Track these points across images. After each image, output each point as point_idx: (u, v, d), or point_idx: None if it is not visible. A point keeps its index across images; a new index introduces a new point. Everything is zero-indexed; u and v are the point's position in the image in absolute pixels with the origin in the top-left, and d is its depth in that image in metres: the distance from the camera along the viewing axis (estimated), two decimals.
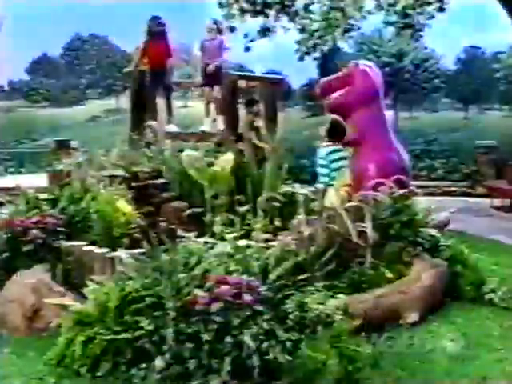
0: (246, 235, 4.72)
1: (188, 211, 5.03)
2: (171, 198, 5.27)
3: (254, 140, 6.35)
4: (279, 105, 7.91)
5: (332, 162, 4.99)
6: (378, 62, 33.52)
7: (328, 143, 5.10)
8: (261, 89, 7.60)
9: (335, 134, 5.18)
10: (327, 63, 37.43)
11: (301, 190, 5.73)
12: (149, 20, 7.20)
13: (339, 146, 5.10)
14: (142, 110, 7.06)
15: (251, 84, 7.88)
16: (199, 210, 5.04)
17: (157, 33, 7.15)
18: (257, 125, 6.58)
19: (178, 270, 2.87)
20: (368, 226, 3.28)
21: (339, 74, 5.42)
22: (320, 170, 4.98)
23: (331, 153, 5.04)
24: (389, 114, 5.44)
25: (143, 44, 7.20)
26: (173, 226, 5.06)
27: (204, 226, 4.94)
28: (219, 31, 7.52)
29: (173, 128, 7.32)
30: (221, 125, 7.29)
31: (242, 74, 8.21)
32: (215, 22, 7.54)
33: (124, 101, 37.98)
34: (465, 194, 11.86)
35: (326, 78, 5.54)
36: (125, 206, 4.12)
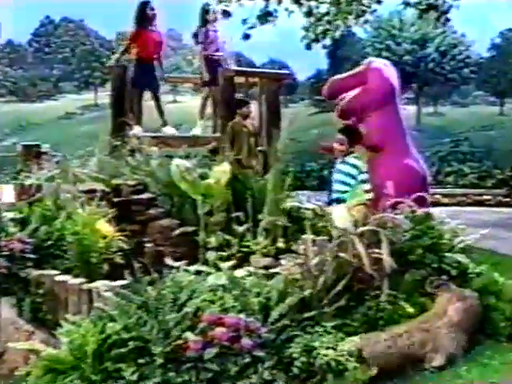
0: (245, 258, 4.81)
1: (178, 230, 5.08)
2: (159, 215, 5.33)
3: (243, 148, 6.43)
4: (283, 100, 7.93)
5: (350, 176, 5.02)
6: (398, 50, 33.69)
7: (347, 155, 5.14)
8: (262, 85, 7.65)
9: (351, 137, 5.23)
10: (338, 51, 37.70)
11: (308, 204, 5.82)
12: (139, 5, 7.30)
13: (359, 162, 5.13)
14: (124, 111, 7.14)
15: (251, 80, 7.96)
16: (191, 228, 5.08)
17: (148, 20, 7.25)
18: (247, 129, 6.61)
19: (166, 308, 2.88)
20: (384, 253, 3.30)
21: (350, 72, 5.49)
22: (336, 186, 5.02)
23: (351, 167, 5.08)
24: (409, 111, 5.51)
25: (131, 33, 7.29)
26: (161, 248, 5.13)
27: (197, 246, 5.00)
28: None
29: (170, 130, 7.40)
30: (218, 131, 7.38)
31: (240, 69, 8.25)
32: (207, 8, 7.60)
33: (104, 95, 38.16)
34: (499, 204, 11.85)
35: (336, 77, 5.60)
36: (105, 227, 4.16)
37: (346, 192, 4.93)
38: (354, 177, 5.06)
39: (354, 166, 5.13)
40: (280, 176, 5.54)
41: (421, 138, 24.24)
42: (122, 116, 6.97)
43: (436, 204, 11.53)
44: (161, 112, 7.49)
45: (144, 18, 7.24)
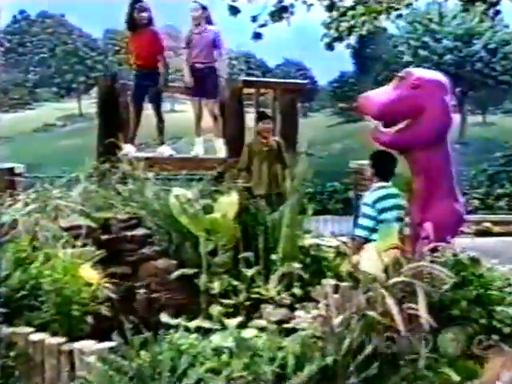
0: (255, 306, 4.84)
1: (176, 272, 5.14)
2: (153, 254, 5.39)
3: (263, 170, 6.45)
4: (301, 110, 8.04)
5: (381, 211, 5.02)
6: (438, 48, 33.78)
7: (380, 184, 5.15)
8: (275, 97, 7.76)
9: (382, 167, 5.24)
10: (365, 51, 37.96)
11: (330, 240, 5.86)
12: (130, 7, 7.43)
13: (395, 190, 5.14)
14: (114, 129, 7.27)
15: (263, 91, 8.07)
16: (191, 271, 5.14)
17: (137, 24, 7.41)
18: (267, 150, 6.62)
19: (163, 379, 2.87)
20: (421, 308, 3.30)
21: (397, 88, 5.33)
22: (363, 222, 5.03)
23: (382, 199, 5.07)
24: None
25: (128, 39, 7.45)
26: (155, 295, 5.18)
27: (198, 293, 5.04)
28: (207, 20, 7.66)
29: (167, 151, 7.50)
30: (222, 150, 7.44)
31: (249, 79, 8.40)
32: (203, 8, 7.63)
33: (89, 103, 38.59)
34: None
35: (378, 93, 5.44)
36: (89, 273, 4.20)
37: (373, 230, 4.94)
38: (379, 211, 5.08)
39: (380, 199, 5.14)
40: (298, 208, 5.61)
41: (465, 152, 24.24)
42: (111, 134, 7.08)
43: (485, 233, 11.40)
44: (160, 129, 7.61)
45: (131, 22, 7.41)
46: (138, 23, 7.37)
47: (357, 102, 5.53)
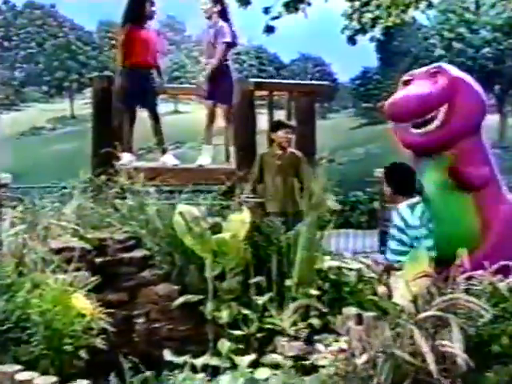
0: (268, 338, 4.84)
1: (180, 299, 5.15)
2: (154, 279, 5.41)
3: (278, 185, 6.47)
4: (319, 111, 8.06)
5: (401, 231, 5.04)
6: (474, 39, 33.68)
7: (408, 201, 5.19)
8: (290, 100, 7.80)
9: (402, 182, 5.27)
10: (392, 44, 38.00)
11: (352, 262, 5.85)
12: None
13: (411, 211, 5.17)
14: (110, 136, 7.34)
15: (276, 93, 8.12)
16: (196, 297, 5.15)
17: (145, 17, 7.48)
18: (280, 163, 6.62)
19: None
20: (456, 346, 3.29)
21: (428, 86, 5.42)
22: (392, 245, 5.06)
23: (400, 219, 5.12)
24: (489, 121, 5.55)
25: (123, 33, 7.48)
26: (156, 325, 5.20)
27: (204, 322, 5.05)
28: (222, 15, 7.65)
29: (170, 160, 7.54)
30: (232, 160, 7.49)
31: (260, 81, 8.42)
32: (214, 1, 7.64)
33: (82, 104, 38.75)
34: None
35: (408, 94, 5.53)
36: (83, 303, 4.22)
37: (402, 253, 4.94)
38: (404, 232, 5.09)
39: (403, 219, 5.17)
40: (316, 227, 5.62)
41: (506, 157, 24.09)
42: (107, 142, 7.13)
43: None
44: (159, 137, 7.63)
45: (141, 14, 7.44)
46: (147, 16, 7.46)
47: (384, 107, 5.61)
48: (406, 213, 5.18)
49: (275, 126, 6.83)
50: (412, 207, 5.17)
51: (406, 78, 5.78)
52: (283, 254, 5.45)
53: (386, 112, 5.53)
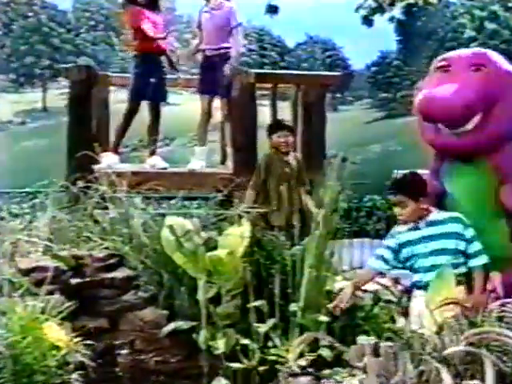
0: (271, 372, 4.84)
1: (169, 326, 5.15)
2: (140, 302, 5.41)
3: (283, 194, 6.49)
4: (330, 102, 8.10)
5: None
6: (510, 19, 33.56)
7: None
8: (297, 93, 7.83)
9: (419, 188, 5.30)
10: (415, 24, 37.93)
11: (369, 284, 5.86)
12: None
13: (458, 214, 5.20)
14: (90, 137, 7.39)
15: (282, 86, 8.17)
16: (188, 324, 5.16)
17: None
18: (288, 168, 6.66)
19: None
20: None
21: (469, 83, 5.37)
22: (415, 263, 5.09)
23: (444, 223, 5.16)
24: None
25: (130, 15, 7.64)
26: (142, 357, 5.20)
27: (197, 352, 5.05)
28: None
29: (159, 163, 7.58)
30: (229, 162, 7.52)
31: (263, 71, 8.50)
32: None
33: (56, 94, 38.68)
34: None
35: (450, 92, 5.46)
36: (57, 333, 4.22)
37: (428, 270, 4.98)
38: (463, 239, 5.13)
39: (461, 223, 5.20)
40: (326, 243, 5.62)
41: None
42: (86, 143, 7.16)
43: None
44: (155, 137, 7.72)
45: None
46: None
47: (416, 102, 5.57)
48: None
49: (271, 127, 6.87)
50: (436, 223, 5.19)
51: (440, 63, 5.63)
52: (288, 273, 5.44)
53: (418, 106, 5.43)
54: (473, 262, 5.06)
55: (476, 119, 5.29)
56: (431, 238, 5.12)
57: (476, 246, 5.09)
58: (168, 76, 8.06)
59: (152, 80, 7.57)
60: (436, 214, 5.21)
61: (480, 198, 5.42)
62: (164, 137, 29.24)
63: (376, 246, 12.27)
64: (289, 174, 6.64)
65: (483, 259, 5.06)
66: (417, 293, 5.01)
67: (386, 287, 5.54)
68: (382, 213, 20.10)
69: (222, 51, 7.76)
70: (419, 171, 5.87)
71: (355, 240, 12.62)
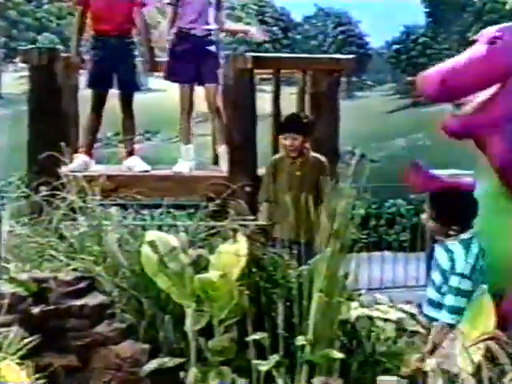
0: None
1: (151, 364, 5.14)
2: (115, 335, 5.41)
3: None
4: (344, 87, 8.09)
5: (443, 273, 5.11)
6: None
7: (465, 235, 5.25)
8: (305, 80, 7.87)
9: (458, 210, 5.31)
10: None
11: (389, 310, 5.86)
12: None
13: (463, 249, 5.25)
14: (55, 133, 7.41)
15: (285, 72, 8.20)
16: (174, 360, 5.15)
17: None
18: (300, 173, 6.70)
19: None
20: None
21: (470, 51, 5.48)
22: (453, 301, 5.12)
23: (448, 258, 5.18)
24: None
25: None
26: None
27: None
28: None
29: (138, 165, 7.59)
30: (224, 163, 7.52)
31: (262, 55, 8.52)
32: None
33: (14, 78, 38.54)
34: None
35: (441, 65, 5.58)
36: (16, 374, 4.22)
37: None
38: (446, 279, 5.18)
39: (451, 259, 5.24)
40: (339, 262, 5.63)
41: None
42: (51, 141, 7.17)
43: None
44: (130, 136, 7.71)
45: None
46: None
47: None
48: (458, 253, 5.23)
49: (279, 126, 6.95)
50: (466, 246, 5.21)
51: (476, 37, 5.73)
52: (293, 299, 5.43)
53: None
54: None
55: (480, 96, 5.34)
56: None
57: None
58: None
59: (116, 66, 7.65)
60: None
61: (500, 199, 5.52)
62: (145, 130, 29.25)
63: (399, 261, 12.31)
64: (303, 180, 6.73)
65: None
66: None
67: (412, 315, 5.54)
68: (406, 220, 20.19)
69: (209, 31, 7.83)
70: (454, 171, 5.92)
71: (374, 254, 12.65)
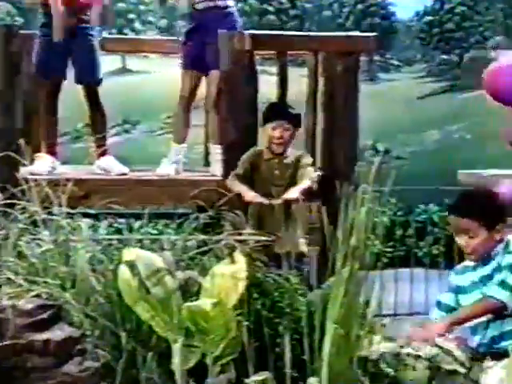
0: None
1: None
2: (86, 376, 5.43)
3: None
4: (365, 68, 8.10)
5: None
6: None
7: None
8: (317, 63, 7.89)
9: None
10: None
11: (422, 345, 5.89)
12: None
13: None
14: (13, 131, 7.53)
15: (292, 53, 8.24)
16: None
17: None
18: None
19: None
20: None
21: None
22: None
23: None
24: None
25: None
26: None
27: None
28: None
29: (113, 166, 7.61)
30: (218, 165, 7.56)
31: (265, 33, 8.54)
32: None
33: None
34: None
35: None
36: None
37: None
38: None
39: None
40: (358, 284, 5.64)
41: None
42: (9, 139, 7.20)
43: None
44: (100, 134, 7.73)
45: None
46: None
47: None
48: None
49: (266, 112, 6.98)
50: None
51: None
52: (302, 331, 5.47)
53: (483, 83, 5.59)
54: None
55: None
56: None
57: None
58: (122, 36, 8.12)
59: (70, 50, 7.68)
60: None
61: None
62: (123, 120, 29.12)
63: (431, 280, 12.29)
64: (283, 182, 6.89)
65: None
66: (492, 362, 5.04)
67: (448, 351, 5.55)
68: (440, 231, 20.18)
69: (216, 3, 7.98)
70: (498, 171, 5.95)
71: (401, 270, 12.62)
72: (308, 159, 7.06)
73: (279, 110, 7.04)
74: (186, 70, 7.91)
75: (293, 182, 6.87)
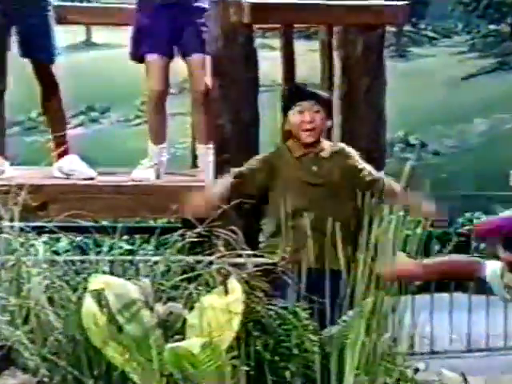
0: None
1: None
2: None
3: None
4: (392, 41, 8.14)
5: None
6: None
7: None
8: (330, 40, 7.93)
9: None
10: None
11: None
12: None
13: None
14: None
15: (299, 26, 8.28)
16: None
17: None
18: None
19: None
20: None
21: None
22: None
23: None
24: None
25: None
26: None
27: None
28: None
29: (78, 168, 7.70)
30: (209, 168, 7.60)
31: (267, 2, 8.54)
32: None
33: None
34: None
35: None
36: None
37: None
38: None
39: None
40: (385, 316, 5.67)
41: None
42: None
43: None
44: (54, 117, 7.76)
45: None
46: None
47: None
48: None
49: (287, 96, 7.01)
50: None
51: None
52: (315, 379, 5.50)
53: None
54: None
55: None
56: None
57: None
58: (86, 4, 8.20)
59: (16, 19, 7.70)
60: None
61: None
62: (87, 107, 28.98)
63: (478, 307, 12.31)
64: (319, 187, 6.87)
65: None
66: None
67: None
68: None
69: None
70: None
71: (439, 295, 12.64)
72: (353, 152, 7.02)
73: (305, 91, 7.03)
74: (153, 57, 7.87)
75: (335, 182, 6.79)
